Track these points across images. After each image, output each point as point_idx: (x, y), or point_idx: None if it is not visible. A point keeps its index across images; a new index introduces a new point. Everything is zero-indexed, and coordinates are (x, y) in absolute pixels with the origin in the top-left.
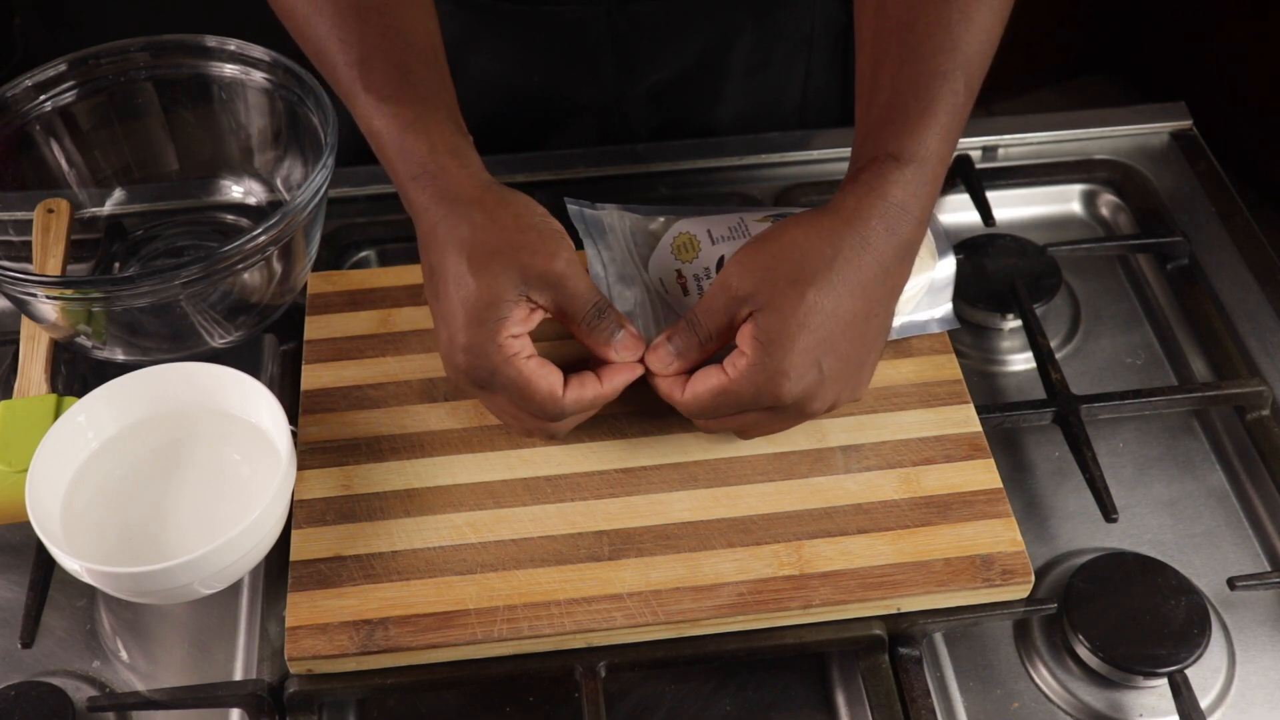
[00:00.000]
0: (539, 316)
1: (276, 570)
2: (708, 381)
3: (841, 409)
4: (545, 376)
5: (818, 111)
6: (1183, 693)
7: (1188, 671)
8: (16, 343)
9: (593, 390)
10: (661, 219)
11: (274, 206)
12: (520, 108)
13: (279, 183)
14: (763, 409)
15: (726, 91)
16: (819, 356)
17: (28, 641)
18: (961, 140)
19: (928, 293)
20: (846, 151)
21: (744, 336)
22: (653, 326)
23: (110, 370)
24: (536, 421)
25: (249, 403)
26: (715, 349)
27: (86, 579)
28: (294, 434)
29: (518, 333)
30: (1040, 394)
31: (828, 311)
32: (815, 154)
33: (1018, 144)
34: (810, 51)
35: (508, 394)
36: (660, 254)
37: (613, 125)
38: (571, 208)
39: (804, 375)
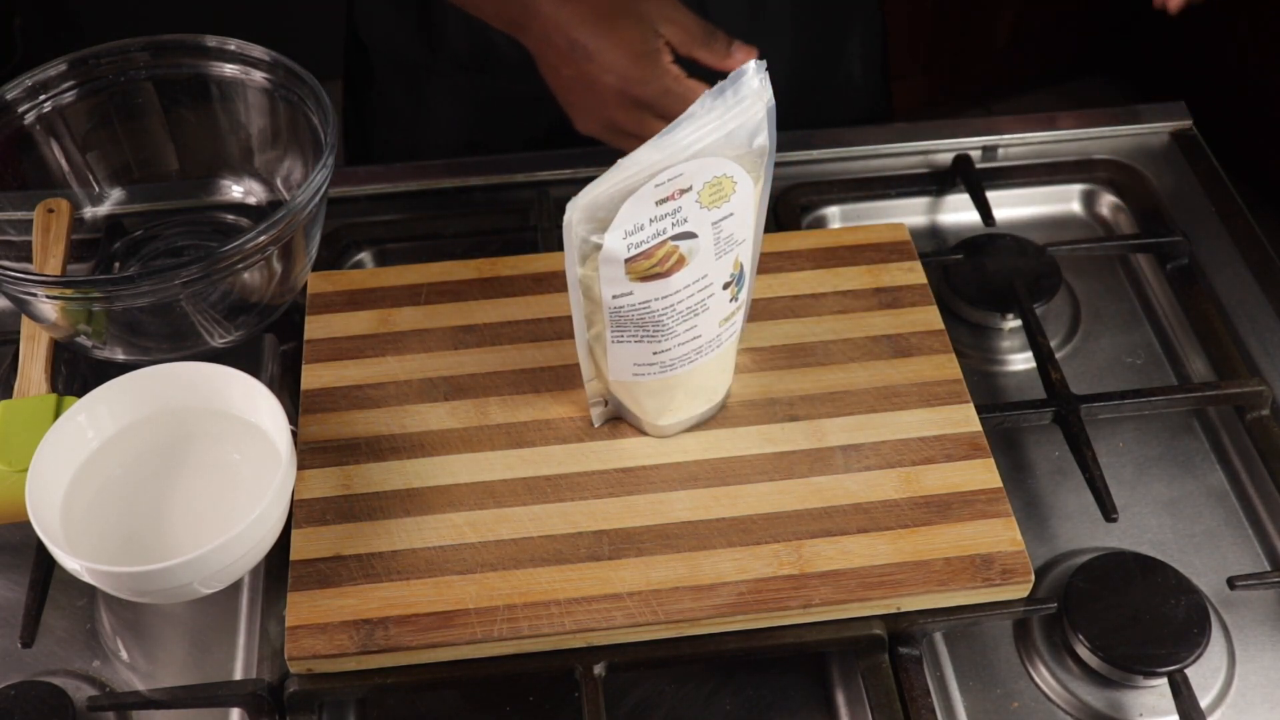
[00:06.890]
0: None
1: (276, 570)
2: None
3: (841, 409)
4: (702, 87)
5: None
6: (1183, 692)
7: (1188, 671)
8: (16, 343)
9: None
10: None
11: (274, 206)
12: (512, 104)
13: (279, 183)
14: None
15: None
16: None
17: (28, 641)
18: (961, 140)
19: None
20: (846, 151)
21: None
22: None
23: (110, 370)
24: None
25: (249, 403)
26: None
27: (86, 578)
28: (294, 434)
29: (671, 59)
30: (1040, 394)
31: None
32: (814, 154)
33: (1018, 144)
34: None
35: (673, 107)
36: None
37: None
38: None
39: None
